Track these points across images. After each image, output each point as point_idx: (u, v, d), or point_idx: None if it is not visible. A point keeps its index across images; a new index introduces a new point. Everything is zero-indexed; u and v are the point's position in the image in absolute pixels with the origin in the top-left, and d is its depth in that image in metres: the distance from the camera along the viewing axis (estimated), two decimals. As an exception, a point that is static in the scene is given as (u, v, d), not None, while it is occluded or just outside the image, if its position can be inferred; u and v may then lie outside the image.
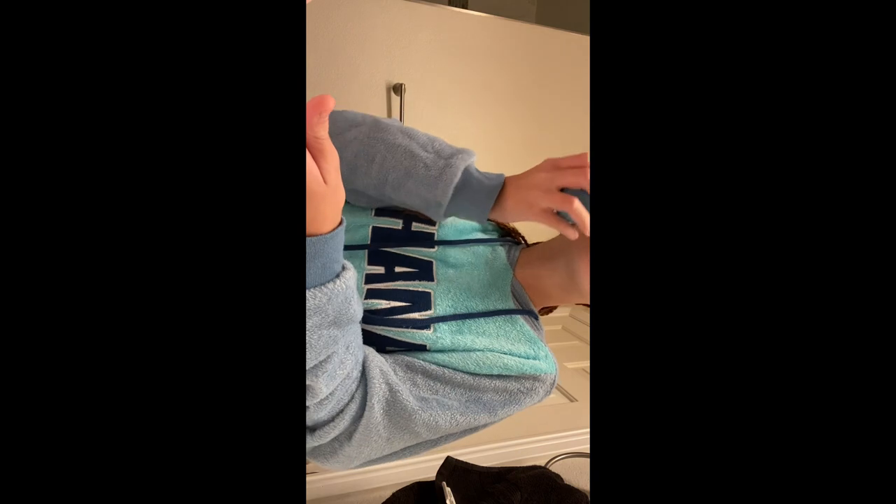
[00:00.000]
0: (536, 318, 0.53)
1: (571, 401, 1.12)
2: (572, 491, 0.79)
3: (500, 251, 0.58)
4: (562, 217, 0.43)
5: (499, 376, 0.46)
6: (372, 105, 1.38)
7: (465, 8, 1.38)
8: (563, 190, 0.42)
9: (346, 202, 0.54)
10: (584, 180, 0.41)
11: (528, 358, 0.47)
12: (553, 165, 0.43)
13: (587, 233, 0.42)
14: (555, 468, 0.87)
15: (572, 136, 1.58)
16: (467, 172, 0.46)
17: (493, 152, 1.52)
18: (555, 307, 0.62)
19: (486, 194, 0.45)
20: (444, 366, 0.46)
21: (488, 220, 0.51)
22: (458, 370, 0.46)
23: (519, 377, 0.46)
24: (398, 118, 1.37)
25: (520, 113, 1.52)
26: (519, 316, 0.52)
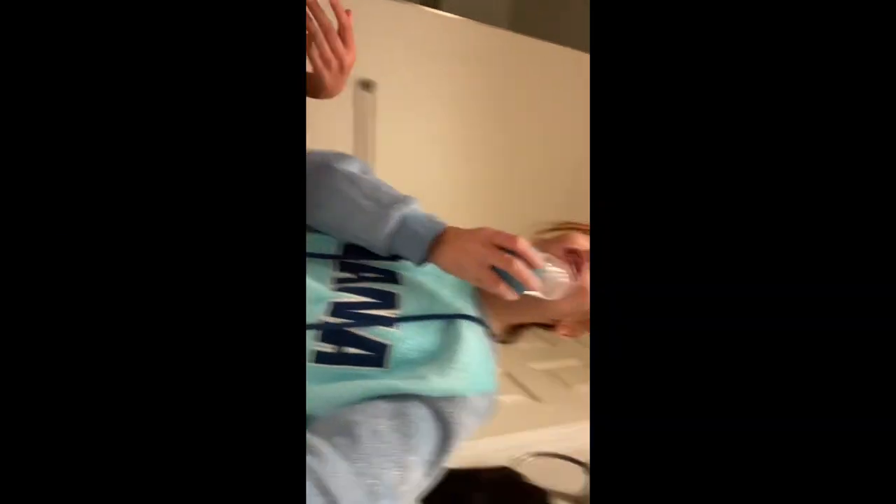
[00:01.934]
0: (491, 337, 0.57)
1: (535, 400, 1.13)
2: (536, 490, 0.79)
3: None
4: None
5: (461, 399, 0.46)
6: (339, 99, 1.35)
7: (439, 8, 1.38)
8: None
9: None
10: (509, 266, 0.44)
11: (478, 374, 0.49)
12: (489, 240, 0.46)
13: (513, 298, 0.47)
14: (519, 468, 0.87)
15: (540, 145, 1.61)
16: (404, 222, 0.49)
17: (461, 155, 1.52)
18: (515, 338, 0.67)
19: (418, 245, 0.49)
20: (405, 396, 0.44)
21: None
22: (421, 396, 0.45)
23: (471, 399, 0.48)
24: (369, 114, 1.35)
25: (490, 118, 1.53)
26: (478, 325, 0.54)
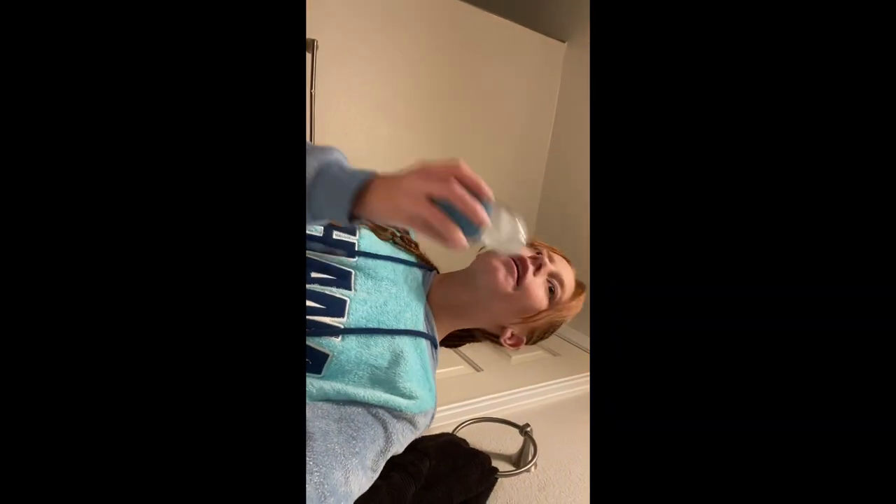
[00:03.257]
0: (436, 348, 0.57)
1: (477, 370, 1.19)
2: (476, 453, 0.85)
3: (418, 273, 0.62)
4: (432, 226, 0.40)
5: (393, 410, 0.47)
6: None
7: (389, -32, 1.30)
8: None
9: None
10: (448, 192, 0.37)
11: (414, 397, 0.49)
12: (424, 172, 0.39)
13: (450, 246, 0.39)
14: (461, 433, 0.92)
15: (486, 116, 1.62)
16: (325, 169, 0.41)
17: (406, 124, 1.49)
18: (461, 343, 0.70)
19: (344, 192, 0.40)
20: (350, 401, 0.45)
21: (363, 222, 0.50)
22: (366, 402, 0.46)
23: (412, 416, 0.48)
24: (308, 74, 1.27)
25: (434, 87, 1.50)
26: (423, 340, 0.54)
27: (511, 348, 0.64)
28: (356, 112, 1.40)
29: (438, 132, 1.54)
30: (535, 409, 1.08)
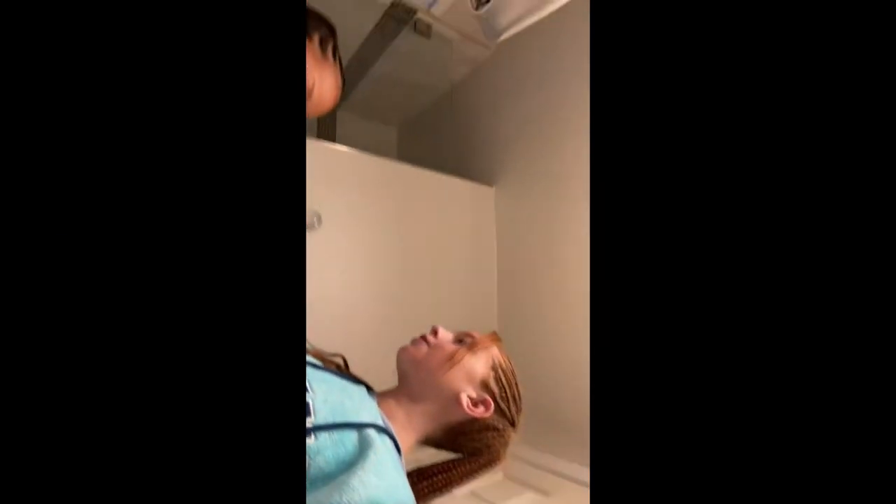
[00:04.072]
0: (400, 454, 0.57)
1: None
2: None
3: (362, 387, 0.66)
4: None
5: None
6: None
7: (334, 141, 1.50)
8: None
9: None
10: None
11: (396, 486, 0.48)
12: None
13: None
14: None
15: (428, 257, 1.72)
16: None
17: (359, 277, 1.53)
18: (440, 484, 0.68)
19: None
20: None
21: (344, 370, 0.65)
22: None
23: None
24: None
25: (383, 238, 1.61)
26: (388, 438, 0.55)
27: (482, 415, 0.64)
28: (309, 266, 1.43)
29: (390, 273, 1.60)
30: (539, 570, 0.90)
